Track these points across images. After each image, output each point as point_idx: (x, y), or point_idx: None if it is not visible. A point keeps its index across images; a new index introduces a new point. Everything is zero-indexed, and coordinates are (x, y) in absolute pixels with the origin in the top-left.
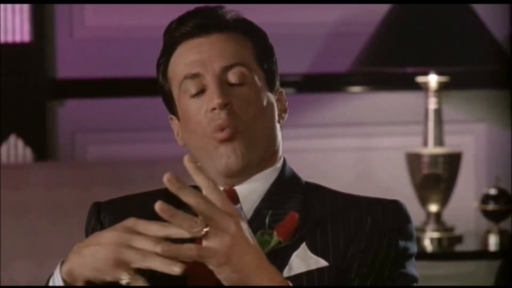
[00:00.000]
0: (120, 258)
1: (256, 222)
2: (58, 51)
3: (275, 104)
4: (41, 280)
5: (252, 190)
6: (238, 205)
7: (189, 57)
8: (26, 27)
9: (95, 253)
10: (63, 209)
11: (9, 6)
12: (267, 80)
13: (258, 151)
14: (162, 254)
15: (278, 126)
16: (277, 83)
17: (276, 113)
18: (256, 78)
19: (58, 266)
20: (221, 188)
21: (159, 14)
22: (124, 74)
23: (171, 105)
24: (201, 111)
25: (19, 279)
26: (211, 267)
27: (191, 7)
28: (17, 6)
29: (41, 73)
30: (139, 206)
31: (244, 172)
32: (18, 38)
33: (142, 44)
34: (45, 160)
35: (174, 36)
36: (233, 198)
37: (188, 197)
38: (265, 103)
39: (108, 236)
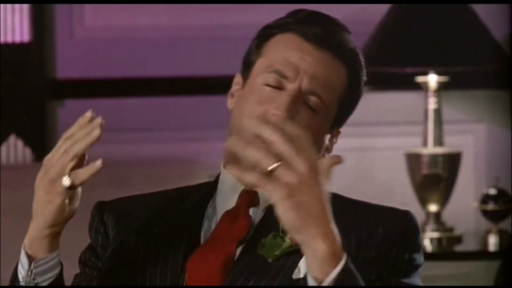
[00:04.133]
0: (49, 175)
1: (268, 222)
2: (58, 51)
3: (325, 144)
4: None
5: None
6: (256, 207)
7: (292, 56)
8: (26, 27)
9: (35, 202)
10: None
11: (9, 6)
12: (335, 122)
13: None
14: None
15: None
16: (341, 125)
17: (322, 152)
18: (327, 115)
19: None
20: (240, 187)
21: (159, 14)
22: (124, 74)
23: (247, 68)
24: (263, 105)
25: None
26: (272, 201)
27: (191, 7)
28: (17, 6)
29: (41, 73)
30: (143, 206)
31: None
32: (18, 38)
33: (142, 44)
34: None
35: (295, 24)
36: (254, 199)
37: (266, 133)
38: (320, 137)
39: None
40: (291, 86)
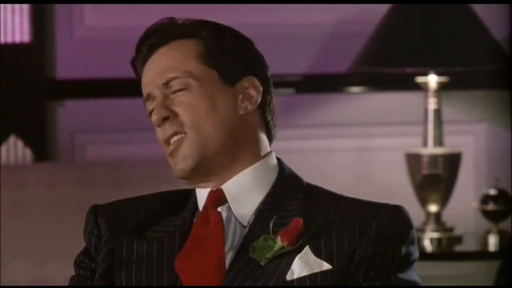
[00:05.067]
0: None
1: (259, 225)
2: (58, 51)
3: (236, 97)
4: (41, 280)
5: (240, 189)
6: (226, 205)
7: (144, 79)
8: (26, 27)
9: None
10: (62, 210)
11: (9, 6)
12: (222, 77)
13: (212, 145)
14: None
15: (243, 119)
16: (246, 71)
17: (239, 104)
18: (202, 81)
19: None
20: (208, 189)
21: (159, 14)
22: (124, 74)
23: None
24: (157, 129)
25: (18, 279)
26: None
27: (191, 7)
28: (17, 6)
29: (40, 73)
30: (137, 210)
31: (204, 171)
32: (18, 38)
33: None
34: (44, 160)
35: (138, 65)
36: (219, 198)
37: None
38: (215, 101)
39: None
40: (156, 94)
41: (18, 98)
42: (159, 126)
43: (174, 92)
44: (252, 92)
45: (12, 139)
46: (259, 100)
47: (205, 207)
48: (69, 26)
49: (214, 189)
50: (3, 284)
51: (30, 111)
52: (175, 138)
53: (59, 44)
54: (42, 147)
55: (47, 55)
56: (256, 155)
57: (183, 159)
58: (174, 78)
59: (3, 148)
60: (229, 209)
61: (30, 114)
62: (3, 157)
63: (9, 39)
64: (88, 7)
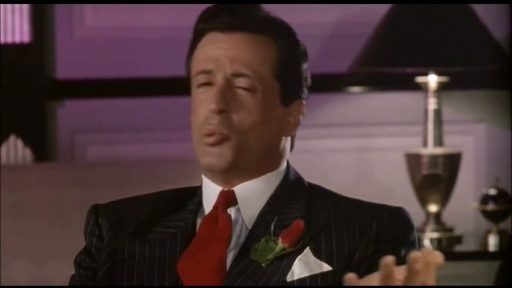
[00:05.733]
0: None
1: (260, 226)
2: (58, 52)
3: (285, 118)
4: (41, 280)
5: (252, 192)
6: (236, 206)
7: (209, 50)
8: (26, 27)
9: None
10: (62, 210)
11: (9, 6)
12: (283, 94)
13: (249, 159)
14: None
15: (283, 138)
16: (300, 94)
17: (284, 127)
18: (267, 90)
19: None
20: (219, 190)
21: (159, 14)
22: (124, 74)
23: (190, 87)
24: (203, 107)
25: (18, 279)
26: None
27: (191, 7)
28: (17, 6)
29: (40, 74)
30: (138, 209)
31: (232, 175)
32: (18, 39)
33: (142, 45)
34: (44, 160)
35: (201, 27)
36: (231, 199)
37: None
38: (270, 115)
39: None
40: (218, 76)
41: (18, 98)
42: (213, 113)
43: (238, 87)
44: (299, 118)
45: (12, 139)
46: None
47: (215, 207)
48: (69, 26)
49: (226, 189)
50: (3, 284)
51: (30, 111)
52: (216, 135)
53: (59, 44)
54: (42, 147)
55: (47, 55)
56: (278, 167)
57: (217, 155)
58: (245, 75)
59: (3, 148)
60: (238, 211)
61: (30, 114)
62: (3, 157)
63: (9, 39)
64: (88, 7)
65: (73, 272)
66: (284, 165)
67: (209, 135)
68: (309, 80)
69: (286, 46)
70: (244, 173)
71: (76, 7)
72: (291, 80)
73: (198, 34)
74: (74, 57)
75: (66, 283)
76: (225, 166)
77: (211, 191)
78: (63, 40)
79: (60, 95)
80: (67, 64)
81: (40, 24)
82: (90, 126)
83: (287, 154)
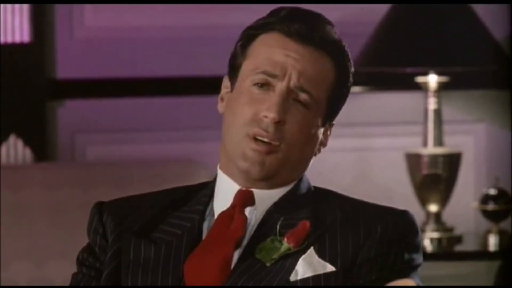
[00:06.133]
0: None
1: (266, 225)
2: (58, 51)
3: (320, 138)
4: (41, 280)
5: (270, 197)
6: (253, 207)
7: (277, 54)
8: (26, 27)
9: None
10: (62, 210)
11: (9, 6)
12: (326, 115)
13: (286, 174)
14: None
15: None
16: (334, 118)
17: (317, 146)
18: (318, 109)
19: None
20: (236, 188)
21: (159, 15)
22: (124, 74)
23: (234, 71)
24: (254, 107)
25: (18, 279)
26: None
27: (191, 7)
28: (17, 6)
29: (41, 73)
30: (142, 207)
31: (262, 183)
32: (18, 38)
33: (142, 45)
34: (44, 160)
35: (276, 23)
36: (249, 199)
37: None
38: (314, 132)
39: None
40: (280, 85)
41: (18, 98)
42: (266, 117)
43: (297, 101)
44: (327, 140)
45: (12, 139)
46: None
47: (232, 206)
48: (69, 26)
49: (244, 189)
50: (3, 284)
51: (30, 111)
52: (266, 139)
53: (59, 44)
54: (42, 147)
55: (47, 55)
56: (298, 178)
57: (259, 164)
58: (308, 91)
59: (3, 148)
60: (252, 212)
61: (30, 114)
62: (3, 157)
63: (9, 39)
64: (88, 7)
65: (74, 271)
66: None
67: (258, 140)
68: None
69: (341, 70)
70: (270, 183)
71: (76, 7)
72: (335, 104)
73: (264, 27)
74: (74, 57)
75: (67, 283)
76: (264, 176)
77: (227, 188)
78: (63, 40)
79: (60, 95)
80: (67, 64)
81: (40, 24)
82: (90, 126)
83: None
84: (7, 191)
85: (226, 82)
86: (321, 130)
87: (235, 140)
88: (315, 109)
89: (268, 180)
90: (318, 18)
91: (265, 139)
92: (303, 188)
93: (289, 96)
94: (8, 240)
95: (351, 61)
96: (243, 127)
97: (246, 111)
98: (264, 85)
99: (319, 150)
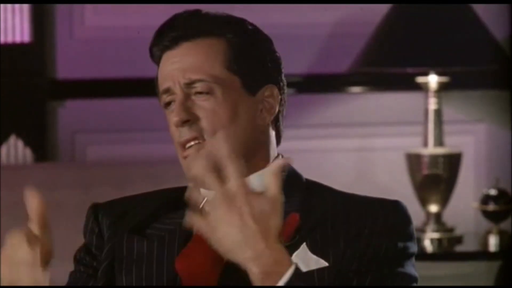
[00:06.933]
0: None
1: None
2: (58, 52)
3: (256, 107)
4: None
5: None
6: None
7: (164, 70)
8: (26, 27)
9: None
10: (63, 210)
11: (9, 6)
12: (244, 84)
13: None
14: None
15: (262, 127)
16: (268, 79)
17: (258, 114)
18: (226, 87)
19: None
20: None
21: (160, 14)
22: (124, 74)
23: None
24: (171, 122)
25: None
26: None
27: (191, 7)
28: (17, 6)
29: (41, 74)
30: (137, 207)
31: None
32: (18, 39)
33: (142, 45)
34: (45, 160)
35: (156, 50)
36: None
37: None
38: (238, 108)
39: None
40: (176, 91)
41: (19, 98)
42: (177, 126)
43: (196, 93)
44: (272, 102)
45: (12, 139)
46: (277, 110)
47: None
48: (70, 26)
49: None
50: (3, 284)
51: (30, 111)
52: (192, 143)
53: (60, 44)
54: (42, 147)
55: (48, 55)
56: (266, 160)
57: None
58: (199, 80)
59: (4, 148)
60: None
61: (30, 114)
62: (3, 157)
63: (9, 39)
64: (88, 7)
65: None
66: (274, 157)
67: (183, 147)
68: (279, 62)
69: (237, 39)
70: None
71: (76, 7)
72: (251, 69)
73: (157, 60)
74: (74, 57)
75: (63, 283)
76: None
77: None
78: (63, 40)
79: (60, 95)
80: (68, 64)
81: (40, 24)
82: (90, 126)
83: (274, 145)
84: (7, 191)
85: None
86: (251, 99)
87: (180, 162)
88: (222, 89)
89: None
90: (181, 16)
91: (190, 143)
92: (288, 178)
93: (188, 95)
94: None
95: (243, 21)
96: (176, 147)
97: (172, 133)
98: (170, 102)
99: (264, 118)
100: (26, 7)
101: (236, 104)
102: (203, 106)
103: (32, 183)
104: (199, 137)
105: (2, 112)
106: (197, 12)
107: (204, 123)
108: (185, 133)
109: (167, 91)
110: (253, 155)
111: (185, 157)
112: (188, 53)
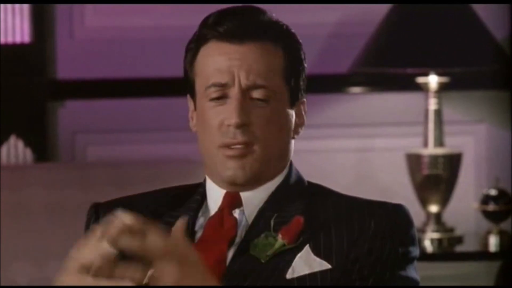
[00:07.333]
0: None
1: (260, 223)
2: (58, 52)
3: (293, 120)
4: (41, 281)
5: (257, 196)
6: (241, 208)
7: (219, 62)
8: (26, 27)
9: None
10: (63, 210)
11: (9, 6)
12: (291, 97)
13: (271, 167)
14: None
15: (292, 140)
16: (300, 95)
17: (292, 128)
18: (279, 97)
19: None
20: (224, 191)
21: (160, 15)
22: (124, 74)
23: (191, 90)
24: (217, 118)
25: (18, 279)
26: None
27: (191, 7)
28: (17, 6)
29: (41, 74)
30: (138, 207)
31: (251, 184)
32: (18, 39)
33: (142, 45)
34: (45, 161)
35: (208, 32)
36: (236, 201)
37: (126, 244)
38: (284, 120)
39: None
40: (233, 90)
41: (19, 98)
42: (236, 128)
43: (254, 98)
44: (303, 115)
45: (12, 139)
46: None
47: (220, 209)
48: (70, 26)
49: (231, 191)
50: (3, 284)
51: (30, 112)
52: (239, 147)
53: (60, 44)
54: (42, 148)
55: (48, 56)
56: (284, 168)
57: (241, 168)
58: (262, 86)
59: (4, 148)
60: (242, 212)
61: (30, 115)
62: (3, 157)
63: (9, 39)
64: (88, 7)
65: None
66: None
67: (231, 148)
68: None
69: (291, 51)
70: (258, 182)
71: (76, 7)
72: (296, 82)
73: (200, 40)
74: (74, 57)
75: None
76: (249, 179)
77: (215, 193)
78: (63, 40)
79: (60, 95)
80: (68, 64)
81: (41, 24)
82: (90, 126)
83: (292, 152)
84: (7, 191)
85: (189, 102)
86: (291, 113)
87: (211, 155)
88: (276, 99)
89: (257, 181)
90: (247, 11)
91: (237, 146)
92: (293, 180)
93: (245, 97)
94: (8, 240)
95: (294, 33)
96: (214, 142)
97: (211, 127)
98: (220, 97)
99: (297, 132)
100: (26, 7)
101: (283, 115)
102: (260, 113)
103: (32, 183)
104: (249, 142)
105: (2, 112)
106: (260, 11)
107: (258, 130)
108: (238, 135)
109: (222, 85)
110: (278, 166)
111: (228, 157)
112: (252, 55)
